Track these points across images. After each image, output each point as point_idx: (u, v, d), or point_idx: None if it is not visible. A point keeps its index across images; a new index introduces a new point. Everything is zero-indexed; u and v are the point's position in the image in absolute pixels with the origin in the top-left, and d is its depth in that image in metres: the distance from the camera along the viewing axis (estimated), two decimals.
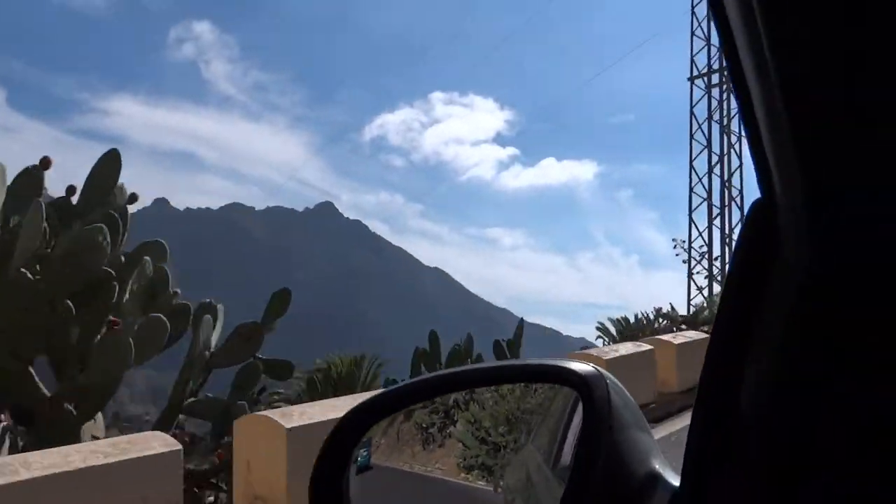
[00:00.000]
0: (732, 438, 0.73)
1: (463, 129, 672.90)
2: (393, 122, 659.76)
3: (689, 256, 31.70)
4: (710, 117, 32.65)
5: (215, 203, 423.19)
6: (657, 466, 0.93)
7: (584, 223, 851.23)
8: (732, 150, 32.72)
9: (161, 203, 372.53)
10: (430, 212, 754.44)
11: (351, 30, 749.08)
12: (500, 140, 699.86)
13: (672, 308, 20.76)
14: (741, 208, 32.11)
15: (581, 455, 0.93)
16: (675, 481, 0.88)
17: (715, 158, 32.36)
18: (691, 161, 32.59)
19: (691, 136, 32.65)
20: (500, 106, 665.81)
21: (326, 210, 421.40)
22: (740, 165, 32.59)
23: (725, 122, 32.45)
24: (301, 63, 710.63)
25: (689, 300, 29.81)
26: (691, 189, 32.47)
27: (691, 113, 32.86)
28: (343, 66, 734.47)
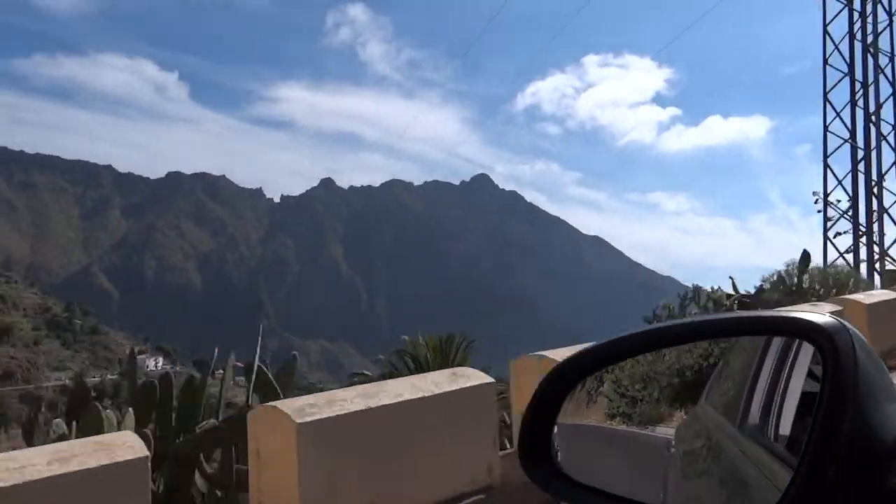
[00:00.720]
0: None
1: (619, 92, 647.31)
2: (546, 90, 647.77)
3: (825, 212, 24.41)
4: (850, 34, 24.74)
5: (377, 180, 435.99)
6: None
7: (756, 183, 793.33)
8: (882, 75, 24.63)
9: (327, 183, 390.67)
10: (588, 179, 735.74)
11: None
12: (659, 100, 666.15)
13: (733, 285, 16.79)
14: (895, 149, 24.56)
15: (826, 416, 0.84)
16: None
17: (858, 87, 24.75)
18: (825, 93, 25.14)
19: (825, 61, 25.19)
20: (658, 64, 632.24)
21: (482, 182, 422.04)
22: (893, 93, 24.54)
23: (871, 38, 24.55)
24: (451, 38, 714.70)
25: (825, 264, 22.62)
26: (826, 127, 25.08)
27: (825, 31, 25.23)
28: (492, 36, 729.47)
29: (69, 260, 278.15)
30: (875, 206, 23.65)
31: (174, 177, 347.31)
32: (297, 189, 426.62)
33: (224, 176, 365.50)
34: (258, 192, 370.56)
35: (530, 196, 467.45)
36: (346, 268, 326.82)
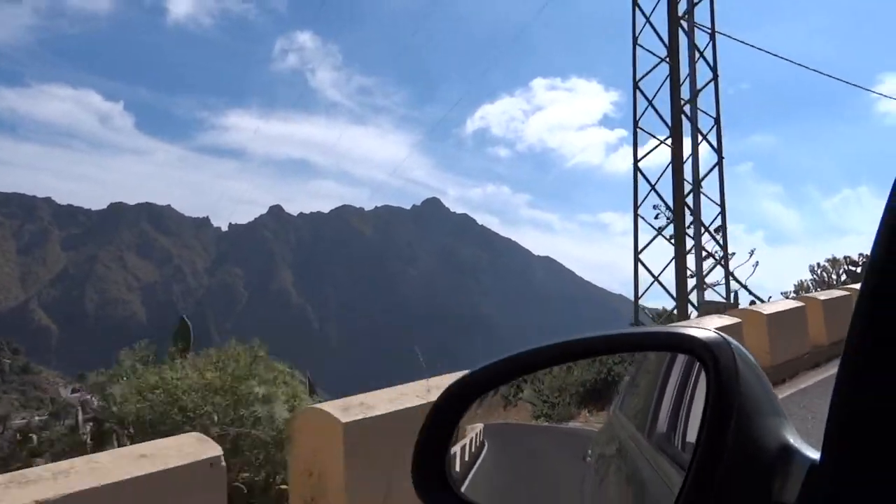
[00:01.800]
0: (885, 401, 0.64)
1: (567, 115, 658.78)
2: (495, 114, 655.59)
3: (636, 228, 19.28)
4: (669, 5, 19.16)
5: (327, 206, 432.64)
6: (790, 438, 0.87)
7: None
8: (702, 58, 19.48)
9: (276, 210, 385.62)
10: (539, 201, 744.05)
11: (446, 25, 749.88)
12: (606, 122, 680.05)
13: None
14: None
15: (711, 426, 0.86)
16: (811, 454, 0.82)
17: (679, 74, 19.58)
18: (636, 81, 19.56)
19: (635, 42, 19.45)
20: (605, 87, 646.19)
21: (433, 206, 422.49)
22: (714, 78, 19.45)
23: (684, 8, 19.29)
24: (401, 64, 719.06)
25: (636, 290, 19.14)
26: (636, 122, 19.65)
27: (634, 3, 19.49)
28: (441, 62, 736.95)
29: (5, 296, 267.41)
30: (689, 218, 18.62)
31: (117, 207, 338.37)
32: (245, 217, 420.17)
33: (169, 205, 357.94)
34: (205, 221, 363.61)
35: (482, 219, 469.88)
36: (296, 295, 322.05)
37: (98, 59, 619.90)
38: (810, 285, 18.66)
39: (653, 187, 18.97)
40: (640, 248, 19.05)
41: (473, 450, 1.13)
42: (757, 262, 18.38)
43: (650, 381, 1.21)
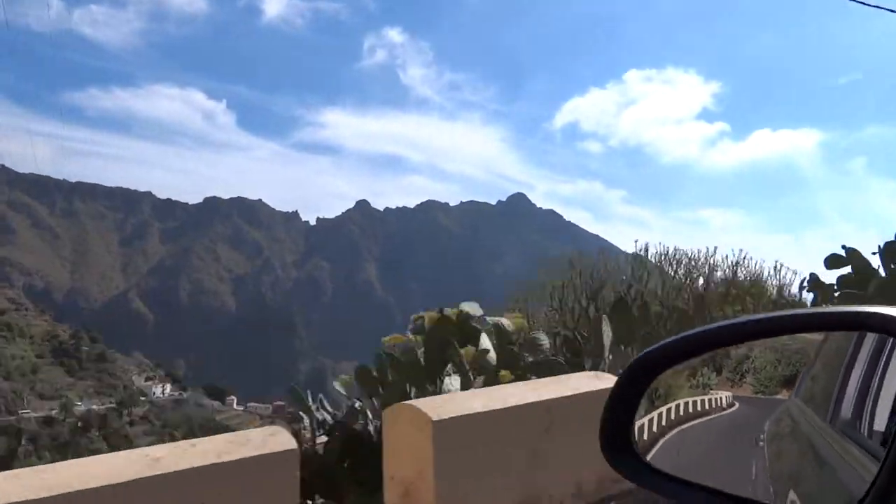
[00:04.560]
0: None
1: (663, 108, 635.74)
2: (585, 107, 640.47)
3: None
4: None
5: (413, 202, 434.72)
6: None
7: (810, 198, 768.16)
8: None
9: (363, 205, 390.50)
10: (633, 196, 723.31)
11: (536, 17, 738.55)
12: (705, 115, 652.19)
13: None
14: None
15: None
16: None
17: None
18: None
19: None
20: (704, 79, 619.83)
21: (520, 201, 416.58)
22: None
23: None
24: (491, 59, 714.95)
25: None
26: None
27: None
28: (531, 55, 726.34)
29: (107, 285, 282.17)
30: None
31: (212, 202, 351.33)
32: (333, 212, 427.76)
33: (261, 199, 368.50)
34: (294, 216, 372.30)
35: (569, 215, 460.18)
36: (381, 289, 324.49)
37: (201, 60, 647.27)
38: None
39: None
40: None
41: (664, 424, 1.13)
42: None
43: (833, 363, 1.16)
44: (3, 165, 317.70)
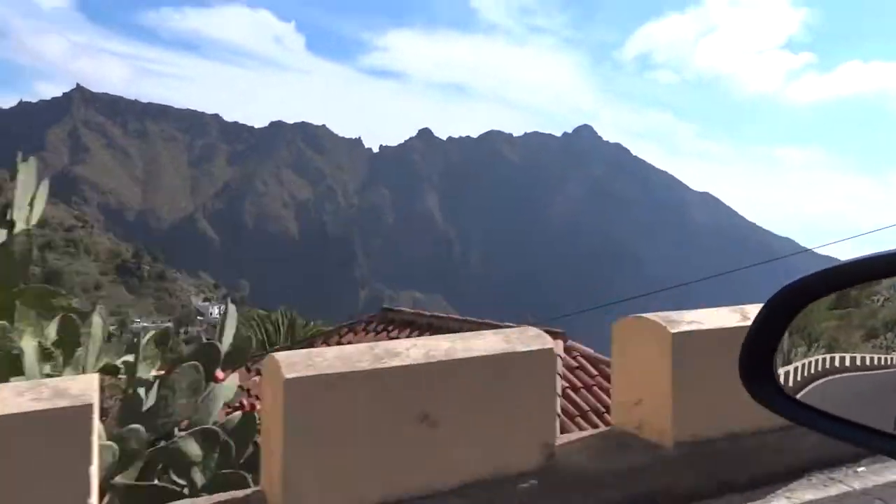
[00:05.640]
0: None
1: (745, 36, 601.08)
2: (661, 34, 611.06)
3: None
4: None
5: (476, 131, 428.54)
6: None
7: None
8: None
9: (425, 133, 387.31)
10: (706, 131, 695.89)
11: None
12: (791, 46, 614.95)
13: None
14: None
15: None
16: None
17: None
18: None
19: None
20: (793, 4, 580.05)
21: (585, 133, 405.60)
22: None
23: None
24: None
25: None
26: None
27: None
28: None
29: (176, 206, 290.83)
30: None
31: (277, 126, 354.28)
32: (396, 140, 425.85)
33: (324, 125, 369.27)
34: (357, 142, 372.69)
35: (637, 149, 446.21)
36: (441, 219, 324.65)
37: None
38: None
39: None
40: None
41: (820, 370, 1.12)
42: None
43: None
44: (78, 84, 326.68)
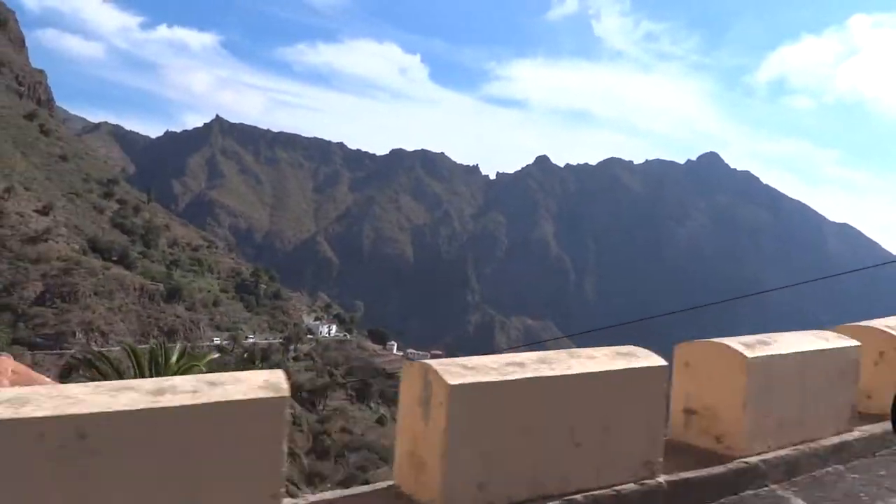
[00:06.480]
0: None
1: (890, 58, 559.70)
2: (796, 58, 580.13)
3: None
4: None
5: (596, 158, 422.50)
6: None
7: None
8: None
9: (542, 160, 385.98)
10: (848, 158, 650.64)
11: None
12: None
13: None
14: None
15: None
16: None
17: None
18: None
19: None
20: None
21: (711, 161, 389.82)
22: None
23: None
24: (692, 3, 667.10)
25: None
26: None
27: None
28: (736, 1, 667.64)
29: (300, 228, 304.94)
30: None
31: (397, 153, 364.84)
32: (513, 167, 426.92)
33: (443, 153, 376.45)
34: (474, 169, 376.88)
35: (768, 177, 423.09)
36: (556, 246, 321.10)
37: (399, 15, 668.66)
38: None
39: None
40: None
41: None
42: None
43: None
44: (217, 115, 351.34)
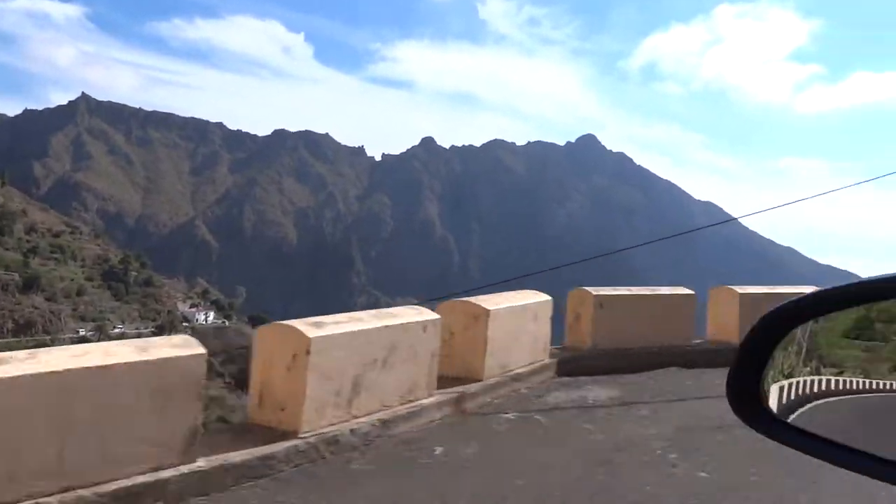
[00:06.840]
0: None
1: (752, 47, 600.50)
2: (667, 45, 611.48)
3: None
4: None
5: (480, 140, 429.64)
6: None
7: None
8: None
9: (428, 142, 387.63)
10: (713, 142, 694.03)
11: None
12: (798, 56, 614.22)
13: None
14: None
15: None
16: None
17: None
18: None
19: None
20: (802, 15, 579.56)
21: (589, 143, 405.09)
22: None
23: None
24: None
25: None
26: None
27: None
28: None
29: (177, 212, 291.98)
30: None
31: (280, 134, 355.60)
32: (398, 148, 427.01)
33: (328, 134, 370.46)
34: (360, 150, 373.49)
35: (640, 159, 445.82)
36: (441, 227, 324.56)
37: None
38: None
39: None
40: None
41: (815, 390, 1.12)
42: None
43: None
44: (83, 93, 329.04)
